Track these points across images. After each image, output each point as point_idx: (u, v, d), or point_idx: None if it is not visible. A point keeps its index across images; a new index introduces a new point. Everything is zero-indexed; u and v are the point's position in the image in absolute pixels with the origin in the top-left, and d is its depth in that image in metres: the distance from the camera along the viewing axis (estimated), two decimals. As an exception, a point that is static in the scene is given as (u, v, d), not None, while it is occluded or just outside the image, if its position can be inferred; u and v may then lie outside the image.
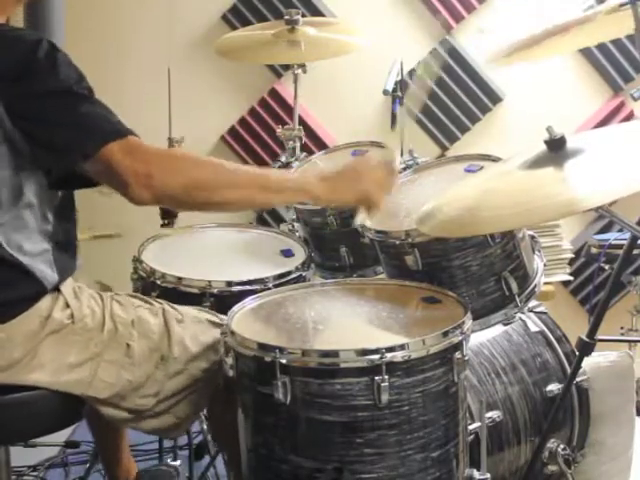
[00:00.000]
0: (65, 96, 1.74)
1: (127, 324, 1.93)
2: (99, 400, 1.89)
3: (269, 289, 2.19)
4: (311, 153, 2.97)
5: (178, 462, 2.67)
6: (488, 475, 1.89)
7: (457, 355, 1.79)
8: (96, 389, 1.87)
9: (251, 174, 1.86)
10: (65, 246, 1.88)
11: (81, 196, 1.95)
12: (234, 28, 3.69)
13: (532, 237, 2.22)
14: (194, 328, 1.99)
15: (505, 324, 2.21)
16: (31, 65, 1.73)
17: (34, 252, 1.81)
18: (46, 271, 1.83)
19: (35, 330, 1.82)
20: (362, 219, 2.01)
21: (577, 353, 2.14)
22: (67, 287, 1.89)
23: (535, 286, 2.17)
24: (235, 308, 1.96)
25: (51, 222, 1.84)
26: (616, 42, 3.68)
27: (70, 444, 2.93)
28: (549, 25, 2.32)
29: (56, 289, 1.87)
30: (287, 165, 2.88)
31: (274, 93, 3.82)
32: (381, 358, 1.70)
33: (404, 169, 2.49)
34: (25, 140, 1.74)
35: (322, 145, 3.67)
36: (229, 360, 1.83)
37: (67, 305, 1.87)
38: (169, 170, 1.76)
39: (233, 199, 1.83)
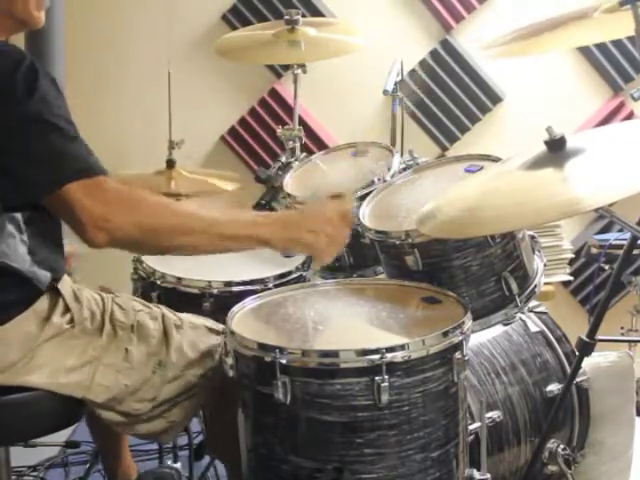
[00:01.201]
0: (36, 124, 1.68)
1: (127, 328, 1.93)
2: (97, 403, 1.89)
3: (269, 289, 2.19)
4: (311, 153, 2.97)
5: (179, 464, 2.67)
6: (488, 475, 1.89)
7: (457, 355, 1.79)
8: (94, 392, 1.87)
9: (208, 220, 1.79)
10: (46, 251, 1.85)
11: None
12: (234, 28, 3.69)
13: (532, 237, 2.22)
14: (192, 334, 1.99)
15: (505, 324, 2.21)
16: (8, 86, 1.67)
17: (20, 259, 1.80)
18: (38, 272, 1.82)
19: (32, 332, 1.82)
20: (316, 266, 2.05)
21: (577, 353, 2.14)
22: (66, 288, 1.89)
23: (535, 286, 2.16)
24: (235, 308, 1.96)
25: (25, 231, 1.81)
26: (616, 42, 3.68)
27: (70, 444, 2.93)
28: (545, 19, 2.32)
29: (54, 289, 1.86)
30: (287, 165, 2.87)
31: (274, 93, 3.82)
32: (381, 358, 1.70)
33: (404, 169, 2.49)
34: None
35: (322, 145, 3.66)
36: (229, 360, 1.83)
37: (67, 308, 1.87)
38: (126, 214, 1.70)
39: (190, 245, 1.78)
